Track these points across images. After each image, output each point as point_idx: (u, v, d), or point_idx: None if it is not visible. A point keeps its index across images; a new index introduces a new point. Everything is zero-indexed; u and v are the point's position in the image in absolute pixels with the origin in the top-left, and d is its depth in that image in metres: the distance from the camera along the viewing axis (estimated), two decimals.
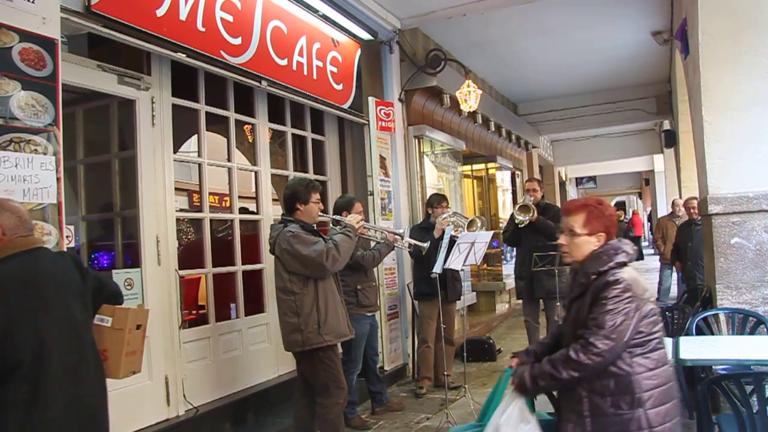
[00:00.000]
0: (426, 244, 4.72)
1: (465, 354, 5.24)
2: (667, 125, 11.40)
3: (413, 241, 4.65)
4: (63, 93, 2.97)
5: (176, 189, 4.16)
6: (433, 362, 5.50)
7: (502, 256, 9.68)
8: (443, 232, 4.99)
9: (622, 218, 20.93)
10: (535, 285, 6.00)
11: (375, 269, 4.92)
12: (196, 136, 4.56)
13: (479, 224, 5.20)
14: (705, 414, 2.72)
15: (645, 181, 22.53)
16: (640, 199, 28.95)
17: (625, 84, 10.45)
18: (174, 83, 4.13)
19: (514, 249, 10.02)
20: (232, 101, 4.75)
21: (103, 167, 4.08)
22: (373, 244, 4.72)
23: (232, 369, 4.50)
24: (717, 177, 4.12)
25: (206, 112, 4.49)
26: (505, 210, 10.07)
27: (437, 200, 5.52)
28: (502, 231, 7.48)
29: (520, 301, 9.87)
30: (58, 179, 2.88)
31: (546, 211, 6.05)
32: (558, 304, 5.83)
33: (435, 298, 5.27)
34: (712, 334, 3.99)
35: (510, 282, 9.48)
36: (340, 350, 5.34)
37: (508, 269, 9.79)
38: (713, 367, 3.36)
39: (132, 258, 3.93)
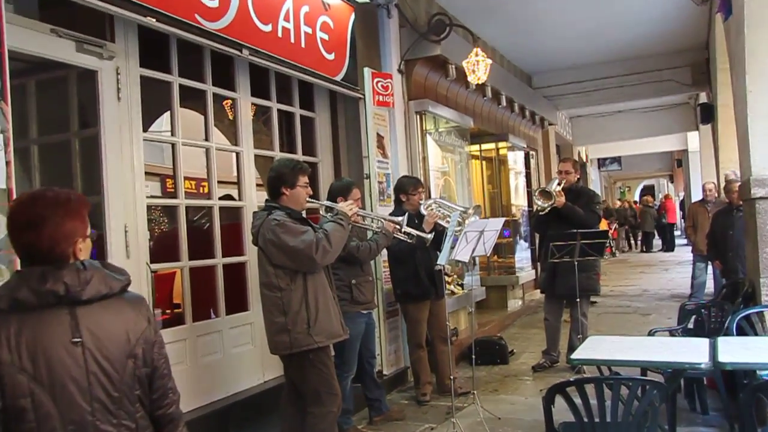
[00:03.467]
0: (430, 236, 4.66)
1: (473, 356, 5.23)
2: (703, 98, 11.32)
3: (416, 232, 4.59)
4: (10, 62, 2.89)
5: (147, 173, 4.12)
6: (428, 365, 5.47)
7: (517, 246, 9.65)
8: (435, 225, 4.91)
9: (651, 204, 20.82)
10: (558, 279, 5.99)
11: (372, 262, 4.86)
12: (168, 112, 4.50)
13: (471, 212, 5.06)
14: (749, 425, 2.67)
15: (677, 163, 22.46)
16: (672, 182, 28.92)
17: (655, 51, 10.34)
18: (142, 52, 4.06)
19: (525, 238, 10.20)
20: (209, 73, 4.69)
21: (62, 148, 4.01)
22: (369, 234, 4.66)
23: (212, 375, 4.47)
24: (762, 156, 4.06)
25: (180, 85, 4.42)
26: (517, 195, 10.03)
27: (412, 185, 5.24)
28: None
29: (535, 297, 10.03)
30: (7, 162, 2.82)
31: (579, 196, 6.04)
32: (578, 300, 5.82)
33: (425, 299, 5.22)
34: (756, 334, 3.96)
35: (524, 275, 9.49)
36: (333, 352, 5.33)
37: (522, 261, 9.77)
38: (757, 371, 3.33)
39: (96, 250, 3.88)
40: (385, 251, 5.23)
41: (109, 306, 1.82)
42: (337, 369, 4.32)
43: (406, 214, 4.65)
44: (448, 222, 4.92)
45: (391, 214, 5.32)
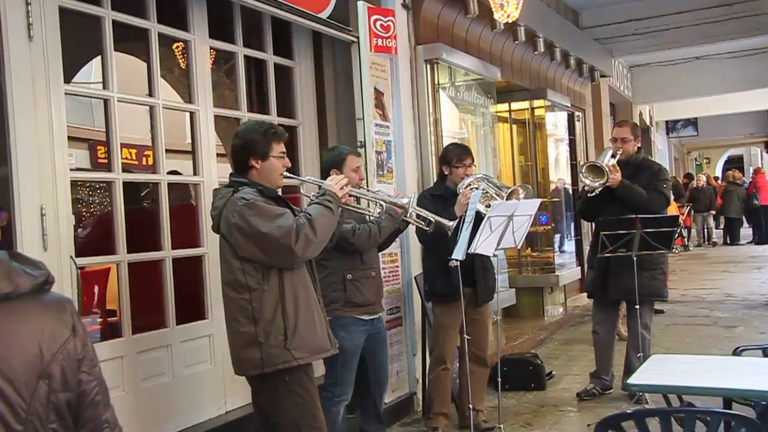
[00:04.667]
0: (452, 223, 4.68)
1: (500, 380, 5.27)
2: None
3: (434, 217, 4.62)
4: None
5: (70, 137, 4.12)
6: (451, 391, 5.52)
7: (556, 237, 9.67)
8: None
9: (738, 181, 20.69)
10: (611, 279, 6.01)
11: (372, 252, 4.84)
12: (98, 58, 4.49)
13: (521, 196, 5.12)
14: None
15: None
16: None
17: None
18: None
19: (569, 226, 10.19)
20: (153, 6, 4.68)
21: None
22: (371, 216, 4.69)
23: (157, 403, 4.51)
24: None
25: (114, 22, 4.41)
26: (558, 169, 10.04)
27: (458, 155, 5.38)
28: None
29: (581, 303, 10.04)
30: None
31: (639, 171, 6.05)
32: (637, 308, 5.84)
33: (457, 300, 5.26)
34: None
35: (566, 275, 9.52)
36: (320, 372, 5.37)
37: (564, 256, 9.80)
38: None
39: (3, 239, 3.90)
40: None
41: (15, 310, 1.76)
42: (326, 391, 4.40)
43: (413, 195, 4.68)
44: (489, 207, 4.96)
45: (430, 190, 5.53)
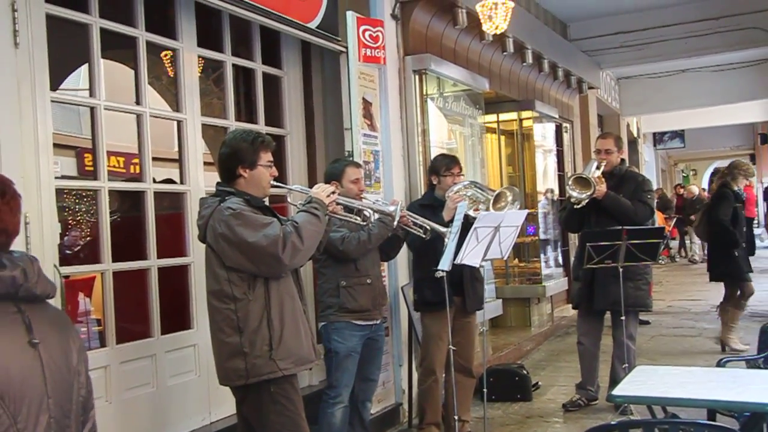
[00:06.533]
0: (446, 229, 4.72)
1: (485, 390, 5.26)
2: None
3: (430, 224, 4.67)
4: None
5: (56, 145, 4.10)
6: (439, 400, 5.52)
7: (542, 248, 9.68)
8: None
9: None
10: (597, 290, 6.03)
11: (369, 260, 4.87)
12: (86, 65, 4.48)
13: (509, 198, 5.17)
14: None
15: (761, 138, 22.49)
16: (753, 164, 29.01)
17: None
18: None
19: (556, 237, 10.20)
20: (141, 14, 4.68)
21: None
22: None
23: (141, 414, 4.49)
24: None
25: (101, 30, 4.41)
26: (546, 180, 10.07)
27: (446, 164, 5.43)
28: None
29: (567, 314, 10.05)
30: None
31: (623, 182, 6.10)
32: (622, 318, 5.85)
33: (445, 308, 5.27)
34: None
35: (553, 285, 9.53)
36: (307, 382, 5.39)
37: (551, 267, 9.81)
38: None
39: None
40: None
41: (47, 310, 1.84)
42: (324, 393, 4.53)
43: (399, 204, 4.69)
44: (477, 211, 5.01)
45: (419, 200, 5.58)
